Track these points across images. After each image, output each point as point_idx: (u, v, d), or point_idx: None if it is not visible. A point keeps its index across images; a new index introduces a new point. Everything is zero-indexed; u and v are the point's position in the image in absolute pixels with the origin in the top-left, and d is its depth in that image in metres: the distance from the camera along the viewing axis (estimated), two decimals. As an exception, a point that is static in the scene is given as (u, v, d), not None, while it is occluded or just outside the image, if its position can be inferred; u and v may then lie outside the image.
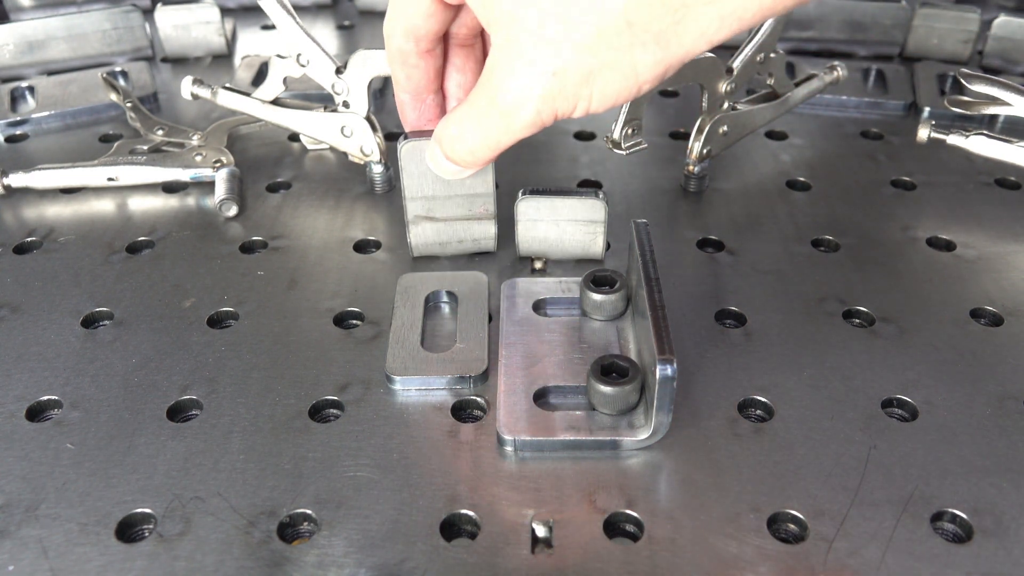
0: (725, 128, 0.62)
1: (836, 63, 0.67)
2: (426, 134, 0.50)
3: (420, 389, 0.47)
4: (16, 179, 0.65)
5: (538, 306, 0.52)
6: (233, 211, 0.63)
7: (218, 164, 0.66)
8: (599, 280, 0.50)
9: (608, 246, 0.57)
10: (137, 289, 0.56)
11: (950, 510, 0.40)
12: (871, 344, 0.50)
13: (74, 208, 0.65)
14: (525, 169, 0.68)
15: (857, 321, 0.52)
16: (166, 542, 0.39)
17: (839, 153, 0.70)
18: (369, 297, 0.54)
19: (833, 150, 0.71)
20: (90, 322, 0.53)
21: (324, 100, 0.66)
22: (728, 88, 0.59)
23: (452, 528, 0.40)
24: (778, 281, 0.55)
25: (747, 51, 0.60)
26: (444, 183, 0.53)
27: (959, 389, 0.47)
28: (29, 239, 0.61)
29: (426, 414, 0.46)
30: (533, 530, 0.40)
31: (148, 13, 0.90)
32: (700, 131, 0.61)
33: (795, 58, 0.83)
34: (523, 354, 0.48)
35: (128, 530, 0.40)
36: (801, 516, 0.40)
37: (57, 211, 0.64)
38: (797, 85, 0.66)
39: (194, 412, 0.47)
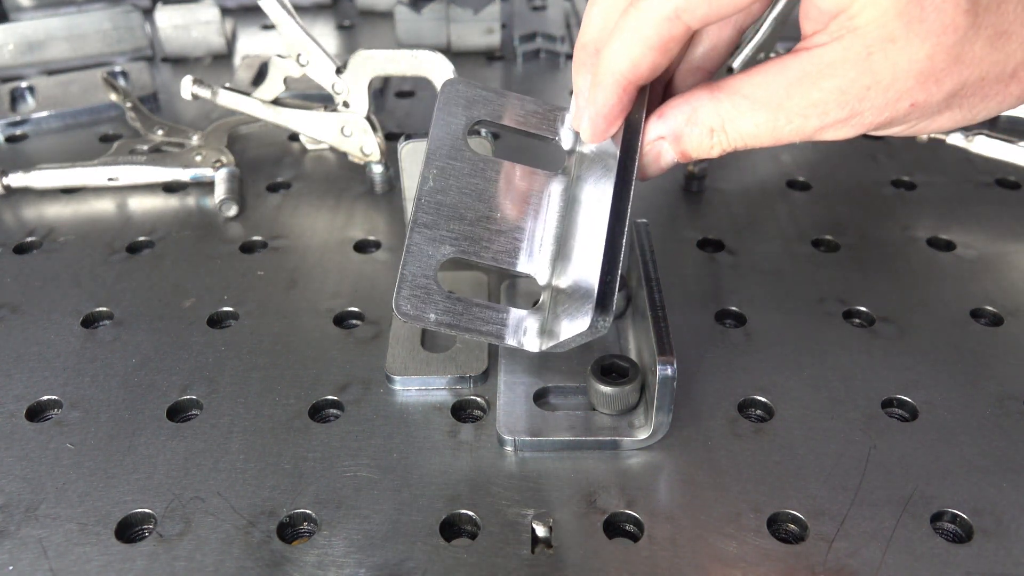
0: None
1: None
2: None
3: (420, 389, 0.47)
4: (16, 179, 0.65)
5: (538, 306, 0.52)
6: (233, 211, 0.63)
7: (218, 164, 0.66)
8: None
9: (608, 246, 0.57)
10: (137, 289, 0.56)
11: (950, 510, 0.40)
12: (871, 344, 0.50)
13: (74, 208, 0.65)
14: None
15: (857, 321, 0.52)
16: (166, 542, 0.39)
17: (839, 153, 0.70)
18: (369, 297, 0.54)
19: (833, 150, 0.71)
20: (90, 322, 0.53)
21: (324, 100, 0.66)
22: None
23: (452, 528, 0.40)
24: (778, 281, 0.55)
25: (747, 51, 0.60)
26: None
27: (959, 389, 0.47)
28: (29, 239, 0.61)
29: (426, 414, 0.46)
30: (533, 530, 0.40)
31: (148, 13, 0.90)
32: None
33: (795, 58, 0.83)
34: (523, 354, 0.48)
35: (128, 530, 0.40)
36: (801, 516, 0.40)
37: (57, 211, 0.64)
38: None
39: (194, 412, 0.47)
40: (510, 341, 0.42)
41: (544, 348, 0.41)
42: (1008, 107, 0.34)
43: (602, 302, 0.37)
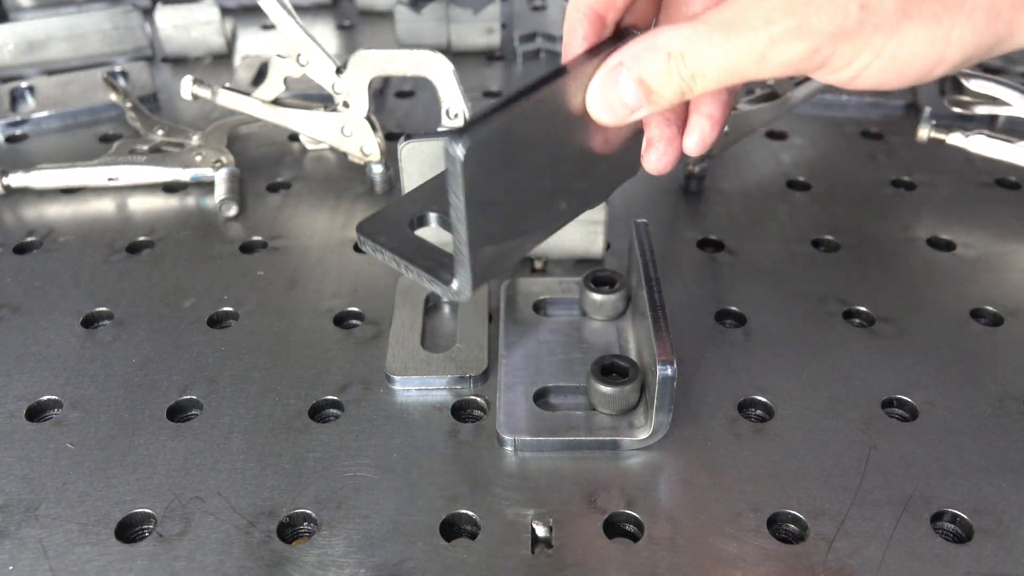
0: (725, 128, 0.62)
1: (836, 63, 0.67)
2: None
3: (420, 389, 0.47)
4: (16, 179, 0.65)
5: (538, 306, 0.52)
6: (233, 211, 0.63)
7: (218, 164, 0.66)
8: (599, 280, 0.50)
9: (608, 246, 0.57)
10: (137, 289, 0.56)
11: (950, 510, 0.40)
12: (871, 344, 0.50)
13: (74, 208, 0.65)
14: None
15: (857, 321, 0.52)
16: (166, 542, 0.39)
17: (839, 153, 0.70)
18: (369, 297, 0.54)
19: (833, 150, 0.71)
20: (90, 322, 0.53)
21: (324, 100, 0.66)
22: (728, 88, 0.59)
23: (452, 528, 0.40)
24: (778, 281, 0.55)
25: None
26: None
27: (959, 389, 0.47)
28: (29, 239, 0.61)
29: (426, 414, 0.46)
30: (533, 530, 0.40)
31: (148, 13, 0.90)
32: (700, 131, 0.61)
33: (795, 58, 0.83)
34: (523, 354, 0.48)
35: (128, 530, 0.40)
36: (801, 516, 0.40)
37: (57, 211, 0.64)
38: (797, 85, 0.66)
39: (194, 412, 0.47)
40: (442, 281, 0.37)
41: (456, 286, 0.37)
42: (982, 31, 0.32)
43: (469, 126, 0.31)
